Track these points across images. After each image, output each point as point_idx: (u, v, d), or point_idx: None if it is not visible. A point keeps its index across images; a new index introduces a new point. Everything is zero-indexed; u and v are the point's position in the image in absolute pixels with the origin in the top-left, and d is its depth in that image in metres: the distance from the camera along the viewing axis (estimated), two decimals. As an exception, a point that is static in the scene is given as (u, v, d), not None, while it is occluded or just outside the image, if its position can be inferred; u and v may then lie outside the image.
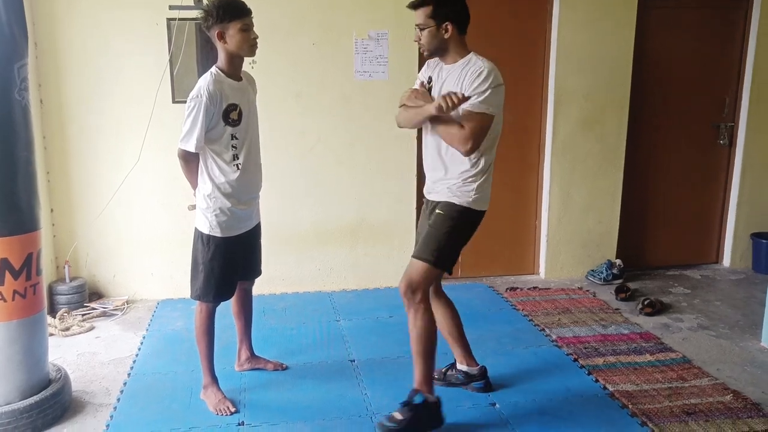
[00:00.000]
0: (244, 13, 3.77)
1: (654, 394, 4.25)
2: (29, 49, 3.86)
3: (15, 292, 3.74)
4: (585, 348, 4.94)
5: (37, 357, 3.92)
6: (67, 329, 5.25)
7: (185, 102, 3.83)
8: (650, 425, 3.89)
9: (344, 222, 6.13)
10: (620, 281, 6.30)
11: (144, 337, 5.19)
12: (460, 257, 6.19)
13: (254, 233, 4.23)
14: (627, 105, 6.34)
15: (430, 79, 3.93)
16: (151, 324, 5.44)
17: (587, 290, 6.20)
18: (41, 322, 3.97)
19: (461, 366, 4.34)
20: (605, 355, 4.82)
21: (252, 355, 4.61)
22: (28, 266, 3.80)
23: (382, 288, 6.16)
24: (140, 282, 5.97)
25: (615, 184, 6.48)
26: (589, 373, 4.54)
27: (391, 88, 5.80)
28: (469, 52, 3.78)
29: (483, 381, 4.31)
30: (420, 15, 3.74)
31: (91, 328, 5.35)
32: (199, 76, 4.23)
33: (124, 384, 4.43)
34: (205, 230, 3.92)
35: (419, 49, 3.95)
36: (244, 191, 3.97)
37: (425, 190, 4.09)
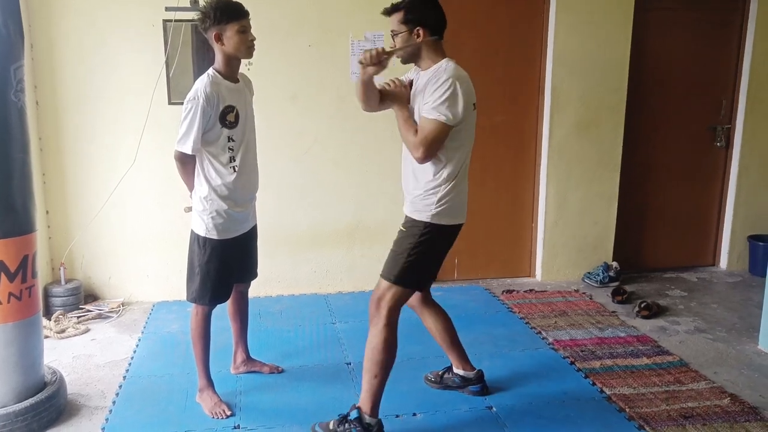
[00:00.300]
0: (242, 14, 3.76)
1: (651, 397, 4.25)
2: (25, 50, 3.84)
3: (10, 294, 3.73)
4: (582, 351, 4.93)
5: (32, 359, 3.90)
6: (63, 331, 5.23)
7: (181, 103, 3.83)
8: (647, 429, 3.88)
9: (341, 224, 6.13)
10: (617, 284, 6.30)
11: (140, 340, 5.17)
12: (456, 260, 6.24)
13: (250, 235, 4.22)
14: (623, 107, 6.34)
15: (411, 83, 3.86)
16: (146, 326, 5.43)
17: (584, 293, 6.19)
18: (37, 324, 3.95)
19: (457, 370, 4.33)
20: (602, 358, 4.82)
21: (248, 358, 4.60)
22: (24, 268, 3.79)
23: (379, 290, 6.13)
24: (136, 284, 5.95)
25: (611, 187, 6.48)
26: (586, 377, 4.54)
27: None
28: (443, 59, 3.68)
29: (479, 384, 4.30)
30: (393, 21, 3.70)
31: (87, 331, 5.33)
32: (195, 77, 4.22)
33: (120, 387, 4.42)
34: (202, 232, 3.91)
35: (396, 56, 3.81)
36: (240, 193, 3.96)
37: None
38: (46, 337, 4.80)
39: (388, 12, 3.71)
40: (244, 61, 3.98)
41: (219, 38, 3.75)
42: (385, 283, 3.73)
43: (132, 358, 4.86)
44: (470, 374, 4.30)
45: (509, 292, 6.22)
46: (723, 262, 7.01)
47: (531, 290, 6.27)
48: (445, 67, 3.61)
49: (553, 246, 6.51)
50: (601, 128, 6.34)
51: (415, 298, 4.15)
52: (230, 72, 3.88)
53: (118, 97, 5.61)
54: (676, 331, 5.36)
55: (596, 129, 6.33)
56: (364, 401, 3.74)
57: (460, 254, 6.41)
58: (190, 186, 3.98)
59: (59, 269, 5.67)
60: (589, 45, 6.18)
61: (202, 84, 3.75)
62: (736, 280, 6.64)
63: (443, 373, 4.41)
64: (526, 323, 5.47)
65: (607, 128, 6.35)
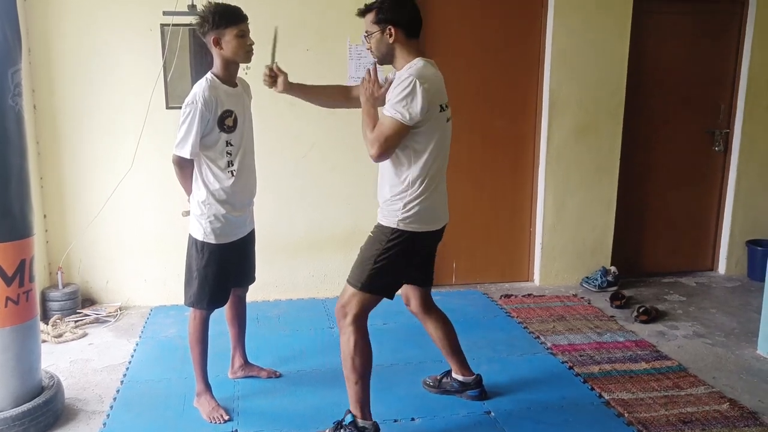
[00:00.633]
0: (240, 19, 3.76)
1: (650, 402, 4.24)
2: (23, 54, 3.84)
3: (8, 298, 3.72)
4: (580, 356, 4.92)
5: (29, 364, 3.89)
6: (60, 336, 5.22)
7: (179, 108, 3.83)
8: (646, 434, 3.88)
9: (338, 228, 6.12)
10: (615, 288, 6.29)
11: (137, 344, 5.16)
12: (454, 265, 6.23)
13: (248, 240, 4.22)
14: (622, 112, 6.34)
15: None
16: (144, 331, 5.42)
17: (582, 297, 6.19)
18: (34, 328, 3.94)
19: (456, 376, 4.32)
20: (600, 363, 4.81)
21: (245, 363, 4.59)
22: (21, 273, 3.78)
23: (377, 295, 6.12)
24: (133, 288, 5.94)
25: (610, 191, 6.47)
26: (585, 381, 4.53)
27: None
28: (416, 58, 3.61)
29: (478, 389, 4.29)
30: (366, 22, 3.67)
31: (84, 335, 5.33)
32: (193, 82, 4.23)
33: (117, 391, 4.41)
34: (200, 237, 3.91)
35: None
36: (238, 198, 3.96)
37: None
38: (44, 341, 4.78)
39: (362, 13, 3.69)
40: (242, 66, 3.98)
41: (217, 42, 3.75)
42: (351, 290, 3.69)
43: (129, 362, 4.85)
44: (469, 379, 4.29)
45: (507, 296, 6.21)
46: (721, 267, 7.00)
47: (529, 295, 6.26)
48: (413, 65, 3.56)
49: (552, 250, 6.51)
50: (599, 133, 6.34)
51: (416, 304, 4.15)
52: (228, 76, 3.88)
53: (116, 101, 5.60)
54: (674, 335, 5.35)
55: (594, 133, 6.33)
56: (353, 406, 3.74)
57: (458, 259, 6.41)
58: (188, 190, 3.97)
59: (57, 273, 5.67)
60: (587, 49, 6.18)
61: (200, 88, 3.74)
62: (734, 285, 6.64)
63: (441, 378, 4.40)
64: (525, 328, 5.46)
65: (606, 133, 6.35)
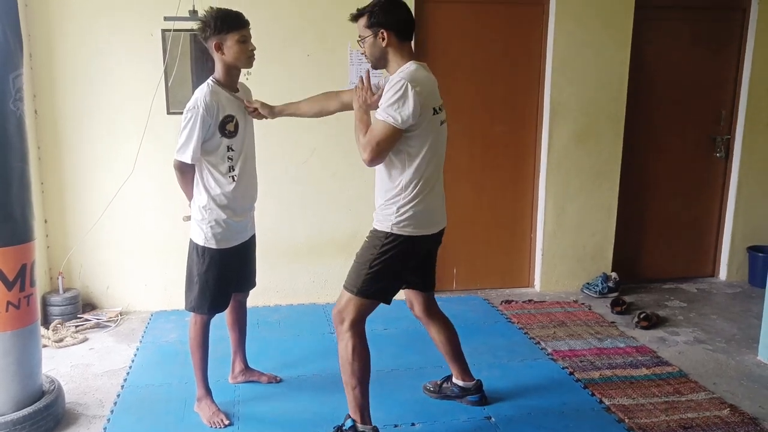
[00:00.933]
0: (242, 24, 3.77)
1: (650, 408, 4.24)
2: (24, 59, 3.84)
3: (9, 303, 3.72)
4: (581, 361, 4.92)
5: (30, 368, 3.89)
6: (61, 341, 5.23)
7: (180, 113, 3.84)
8: (647, 439, 3.88)
9: (339, 234, 6.12)
10: (616, 294, 6.29)
11: (138, 349, 5.16)
12: (455, 271, 6.23)
13: (249, 245, 4.22)
14: (623, 117, 6.34)
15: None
16: (144, 335, 5.42)
17: (582, 303, 6.19)
18: (35, 333, 3.95)
19: (457, 381, 4.32)
20: (601, 368, 4.81)
21: (246, 368, 4.59)
22: (22, 277, 3.78)
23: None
24: (134, 293, 5.94)
25: (610, 197, 6.48)
26: (585, 387, 4.53)
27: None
28: (409, 61, 3.61)
29: (478, 395, 4.29)
30: (359, 26, 3.66)
31: (85, 340, 5.33)
32: (194, 87, 4.23)
33: (118, 396, 4.41)
34: (200, 242, 3.91)
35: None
36: (239, 203, 3.96)
37: None
38: (44, 346, 4.78)
39: (354, 18, 3.69)
40: (243, 71, 3.98)
41: (219, 48, 3.75)
42: (347, 295, 3.69)
43: (130, 367, 4.85)
44: (469, 385, 4.29)
45: (508, 302, 6.21)
46: (722, 273, 7.00)
47: (530, 301, 6.26)
48: (406, 68, 3.56)
49: (552, 256, 6.51)
50: (600, 138, 6.34)
51: (420, 309, 4.15)
52: (230, 81, 3.89)
53: (117, 106, 5.61)
54: (675, 341, 5.35)
55: (595, 139, 6.33)
56: (353, 412, 3.74)
57: (459, 265, 6.41)
58: (189, 195, 3.98)
59: (57, 278, 5.67)
60: (589, 55, 6.18)
61: (201, 93, 3.75)
62: (735, 291, 6.64)
63: (442, 383, 4.39)
64: (525, 333, 5.46)
65: (607, 138, 6.36)
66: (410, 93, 3.40)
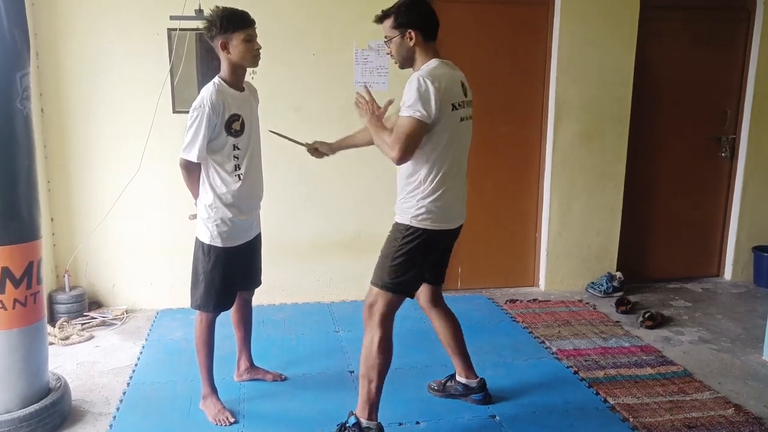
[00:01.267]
0: (248, 23, 3.78)
1: (655, 407, 4.24)
2: (31, 58, 3.86)
3: (15, 300, 3.74)
4: (585, 361, 4.93)
5: (36, 366, 3.91)
6: (67, 338, 5.24)
7: (186, 112, 3.85)
8: (651, 438, 3.88)
9: (344, 233, 6.13)
10: (620, 294, 6.29)
11: (143, 347, 5.18)
12: (459, 270, 6.23)
13: (254, 243, 4.23)
14: (627, 117, 6.35)
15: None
16: (150, 333, 5.43)
17: (587, 303, 6.19)
18: (41, 330, 3.97)
19: (460, 378, 4.33)
20: (606, 368, 4.81)
21: (251, 366, 4.60)
22: (29, 275, 3.80)
23: (382, 299, 6.13)
24: (140, 292, 5.96)
25: (615, 197, 6.48)
26: (590, 386, 4.53)
27: (391, 98, 5.81)
28: (432, 59, 3.68)
29: (482, 393, 4.30)
30: (385, 27, 3.71)
31: (91, 338, 5.34)
32: (200, 86, 4.23)
33: (124, 393, 4.42)
34: (206, 240, 3.92)
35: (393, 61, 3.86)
36: (245, 201, 3.97)
37: None
38: (51, 343, 4.81)
39: (380, 19, 3.73)
40: (248, 70, 3.99)
41: (225, 47, 3.76)
42: (374, 289, 3.74)
43: (136, 365, 4.86)
44: (473, 383, 4.30)
45: (513, 301, 6.21)
46: (728, 273, 7.00)
47: (534, 300, 6.26)
48: (425, 67, 3.62)
49: (557, 256, 6.51)
50: (605, 138, 6.35)
51: (425, 299, 4.18)
52: (236, 80, 3.90)
53: (123, 105, 5.63)
54: (680, 341, 5.35)
55: (600, 139, 6.34)
56: (361, 407, 3.76)
57: (464, 264, 6.41)
58: (195, 194, 3.99)
59: (64, 276, 5.68)
60: (594, 55, 6.19)
61: (207, 92, 3.76)
62: (740, 291, 6.64)
63: (446, 382, 4.40)
64: (530, 333, 5.46)
65: (611, 138, 6.36)
66: (431, 88, 3.46)
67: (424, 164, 3.61)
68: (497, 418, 4.14)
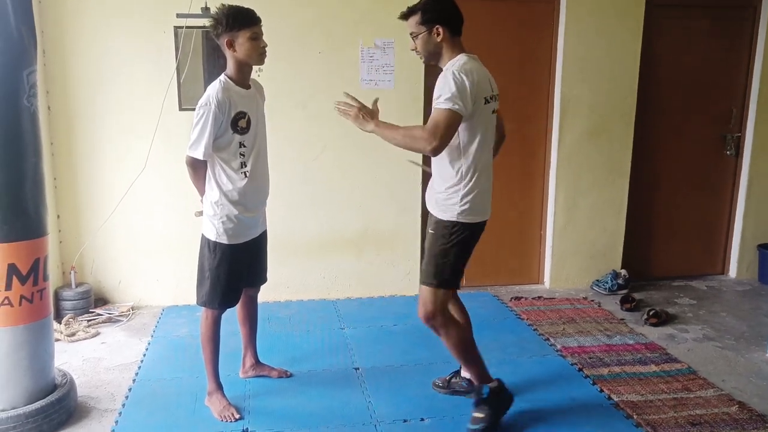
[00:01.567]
0: (254, 21, 3.78)
1: (659, 404, 4.25)
2: (38, 56, 3.87)
3: (22, 297, 3.76)
4: (590, 358, 4.93)
5: (43, 362, 3.93)
6: (73, 335, 5.26)
7: (192, 109, 3.86)
8: (655, 436, 3.89)
9: (350, 230, 6.14)
10: (625, 291, 6.29)
11: (149, 344, 5.19)
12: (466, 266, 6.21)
13: (260, 240, 4.24)
14: (633, 115, 6.34)
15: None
16: (156, 330, 5.45)
17: (592, 300, 6.19)
18: (47, 327, 3.98)
19: (465, 374, 4.34)
20: (610, 365, 4.82)
21: (257, 362, 4.62)
22: (35, 271, 3.82)
23: (387, 296, 6.16)
24: (145, 288, 5.98)
25: (620, 194, 6.48)
26: (594, 383, 4.54)
27: (397, 96, 5.83)
28: (460, 54, 3.72)
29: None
30: (411, 23, 3.73)
31: (97, 334, 5.36)
32: (206, 84, 4.24)
33: (129, 390, 4.44)
34: (212, 237, 3.93)
35: (418, 57, 3.88)
36: (251, 199, 3.98)
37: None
38: (57, 340, 4.82)
39: (405, 15, 3.75)
40: (254, 68, 4.00)
41: (231, 45, 3.77)
42: (428, 290, 3.81)
43: (141, 361, 4.88)
44: None
45: (518, 299, 6.22)
46: (732, 271, 6.99)
47: (539, 297, 6.27)
48: (459, 60, 3.65)
49: (562, 253, 6.51)
50: (610, 135, 6.34)
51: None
52: (242, 78, 3.90)
53: (129, 102, 5.64)
54: (684, 339, 5.35)
55: (606, 136, 6.33)
56: (480, 378, 3.99)
57: (469, 261, 6.40)
58: (201, 191, 4.00)
59: (70, 273, 5.71)
60: (599, 52, 6.18)
61: (213, 90, 3.77)
62: (745, 289, 6.63)
63: (450, 378, 4.42)
64: (535, 330, 5.47)
65: (617, 135, 6.36)
66: (466, 82, 3.52)
67: (463, 157, 3.68)
68: (501, 415, 4.15)
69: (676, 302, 6.19)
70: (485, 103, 3.67)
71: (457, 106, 3.47)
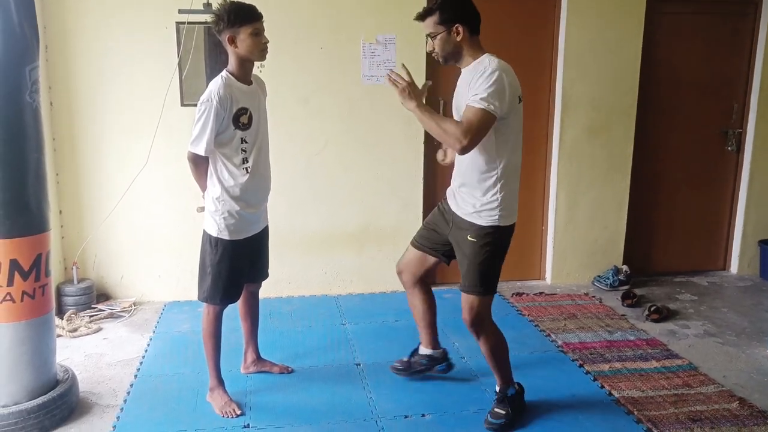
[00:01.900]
0: (255, 17, 3.78)
1: (660, 400, 4.25)
2: (40, 51, 3.88)
3: (24, 292, 3.76)
4: (591, 354, 4.94)
5: (45, 357, 3.94)
6: (75, 330, 5.27)
7: (194, 105, 3.86)
8: (655, 432, 3.90)
9: (351, 226, 6.15)
10: (627, 287, 6.30)
11: (151, 339, 5.20)
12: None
13: (262, 236, 4.25)
14: (634, 111, 6.34)
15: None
16: (158, 326, 5.46)
17: (593, 296, 6.20)
18: (49, 323, 3.99)
19: (425, 350, 4.40)
20: (611, 361, 4.82)
21: (258, 358, 4.63)
22: (37, 267, 3.82)
23: (389, 292, 6.16)
24: (147, 284, 5.99)
25: (622, 190, 6.48)
26: (595, 379, 4.55)
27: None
28: (483, 53, 3.67)
29: (445, 363, 4.42)
30: (429, 24, 3.68)
31: (99, 330, 5.37)
32: (208, 79, 4.24)
33: (131, 385, 4.45)
34: (214, 233, 3.94)
35: (435, 58, 3.81)
36: (253, 195, 3.98)
37: (447, 192, 3.99)
38: (59, 335, 4.83)
39: (422, 16, 3.71)
40: (256, 64, 4.00)
41: (232, 41, 3.77)
42: (473, 298, 3.81)
43: (143, 357, 4.89)
44: (437, 353, 4.40)
45: (519, 294, 6.23)
46: (734, 267, 6.99)
47: (540, 293, 6.27)
48: (489, 60, 3.61)
49: (563, 249, 6.52)
50: (611, 132, 6.34)
51: (422, 274, 4.24)
52: (243, 74, 3.90)
53: (131, 98, 5.64)
54: (685, 334, 5.36)
55: (607, 133, 6.33)
56: (506, 382, 4.01)
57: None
58: (203, 187, 4.01)
59: (72, 269, 5.71)
60: (601, 49, 6.18)
61: (215, 86, 3.77)
62: (746, 285, 6.64)
63: (410, 359, 4.47)
64: (536, 326, 5.47)
65: (618, 132, 6.36)
66: (506, 83, 3.51)
67: (500, 158, 3.66)
68: (502, 410, 4.15)
69: (677, 298, 6.20)
70: (519, 102, 3.67)
71: (492, 107, 3.46)
